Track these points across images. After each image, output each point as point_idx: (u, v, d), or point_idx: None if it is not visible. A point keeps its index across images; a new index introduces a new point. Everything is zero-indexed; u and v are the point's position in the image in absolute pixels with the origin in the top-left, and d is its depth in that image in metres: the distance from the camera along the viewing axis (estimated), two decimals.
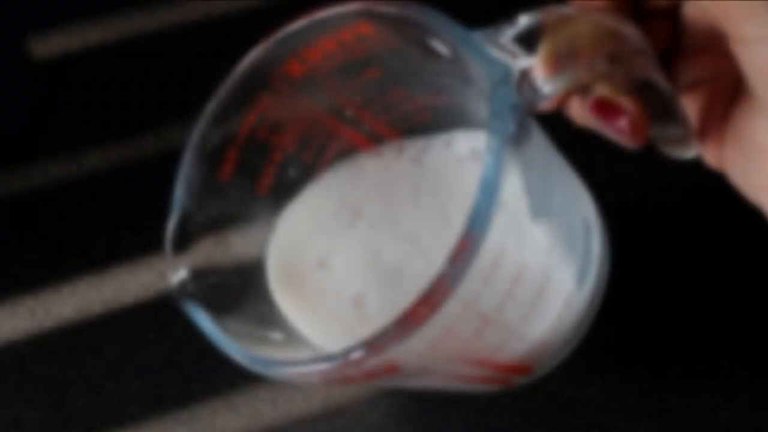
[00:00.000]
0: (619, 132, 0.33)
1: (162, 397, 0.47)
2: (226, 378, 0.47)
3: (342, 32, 0.35)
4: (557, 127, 0.37)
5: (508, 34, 0.32)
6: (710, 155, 0.37)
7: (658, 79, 0.34)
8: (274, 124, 0.38)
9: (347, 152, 0.41)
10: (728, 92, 0.36)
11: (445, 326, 0.32)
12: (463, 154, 0.40)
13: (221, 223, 0.38)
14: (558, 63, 0.31)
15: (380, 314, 0.38)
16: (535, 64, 0.31)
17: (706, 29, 0.35)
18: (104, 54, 0.51)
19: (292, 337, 0.38)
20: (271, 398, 0.46)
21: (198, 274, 0.37)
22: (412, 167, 0.41)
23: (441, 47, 0.34)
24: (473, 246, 0.30)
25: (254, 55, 0.36)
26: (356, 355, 0.31)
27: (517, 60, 0.32)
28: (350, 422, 0.45)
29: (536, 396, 0.46)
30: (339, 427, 0.45)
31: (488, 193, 0.30)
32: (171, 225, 0.37)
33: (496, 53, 0.32)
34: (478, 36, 0.32)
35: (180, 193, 0.37)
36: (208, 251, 0.38)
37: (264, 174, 0.40)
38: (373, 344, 0.31)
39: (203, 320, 0.36)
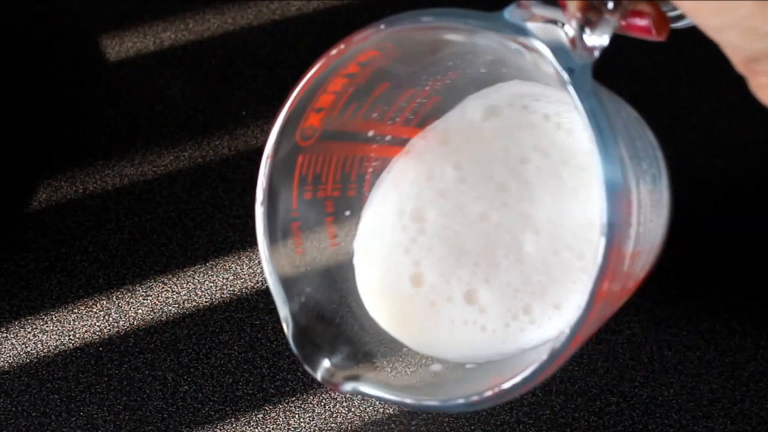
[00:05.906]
0: (644, 32, 0.35)
1: (236, 398, 0.47)
2: (300, 379, 0.47)
3: (349, 67, 0.35)
4: None
5: (531, 4, 0.32)
6: None
7: None
8: (315, 178, 0.38)
9: (381, 167, 0.41)
10: None
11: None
12: (477, 117, 0.41)
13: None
14: (593, 17, 0.32)
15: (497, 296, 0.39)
16: (574, 28, 0.32)
17: None
18: (177, 54, 0.51)
19: (442, 361, 0.39)
20: (345, 399, 0.46)
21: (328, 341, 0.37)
22: (442, 149, 0.41)
23: (457, 36, 0.34)
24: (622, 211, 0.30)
25: (276, 128, 0.36)
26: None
27: (562, 30, 0.32)
28: (425, 423, 0.45)
29: (611, 397, 0.46)
30: (414, 428, 0.45)
31: (606, 145, 0.30)
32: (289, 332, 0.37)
33: (544, 33, 0.32)
34: (513, 16, 0.32)
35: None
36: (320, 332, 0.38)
37: (327, 227, 0.40)
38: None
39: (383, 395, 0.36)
